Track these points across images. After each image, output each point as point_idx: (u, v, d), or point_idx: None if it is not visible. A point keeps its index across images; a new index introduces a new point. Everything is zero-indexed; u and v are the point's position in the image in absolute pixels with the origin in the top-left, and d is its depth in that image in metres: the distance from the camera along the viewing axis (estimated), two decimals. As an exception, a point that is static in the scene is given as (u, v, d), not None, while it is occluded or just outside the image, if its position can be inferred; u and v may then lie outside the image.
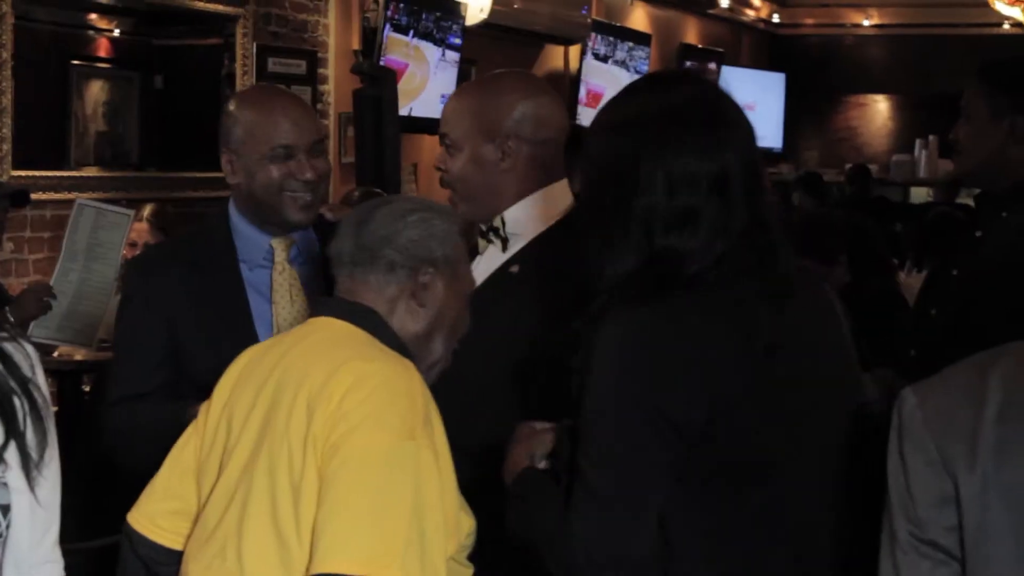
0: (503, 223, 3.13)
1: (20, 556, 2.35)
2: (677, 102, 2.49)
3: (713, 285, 2.40)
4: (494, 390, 2.98)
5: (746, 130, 2.50)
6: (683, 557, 2.39)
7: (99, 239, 5.55)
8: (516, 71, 3.56)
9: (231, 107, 3.37)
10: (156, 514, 2.74)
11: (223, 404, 2.69)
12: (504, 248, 3.14)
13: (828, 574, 2.48)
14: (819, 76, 16.05)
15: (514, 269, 3.09)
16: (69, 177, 7.11)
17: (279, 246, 3.35)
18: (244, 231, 3.36)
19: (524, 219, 3.12)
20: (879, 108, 16.67)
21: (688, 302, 2.38)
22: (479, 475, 2.70)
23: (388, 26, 8.60)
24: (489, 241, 3.17)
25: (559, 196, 3.15)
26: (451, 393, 2.83)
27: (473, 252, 3.23)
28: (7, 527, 2.29)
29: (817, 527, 2.46)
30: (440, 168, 3.19)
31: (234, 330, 3.25)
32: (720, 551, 2.40)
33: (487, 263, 3.17)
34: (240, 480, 2.57)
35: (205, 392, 2.94)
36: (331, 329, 2.68)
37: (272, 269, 3.35)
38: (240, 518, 2.53)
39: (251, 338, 3.16)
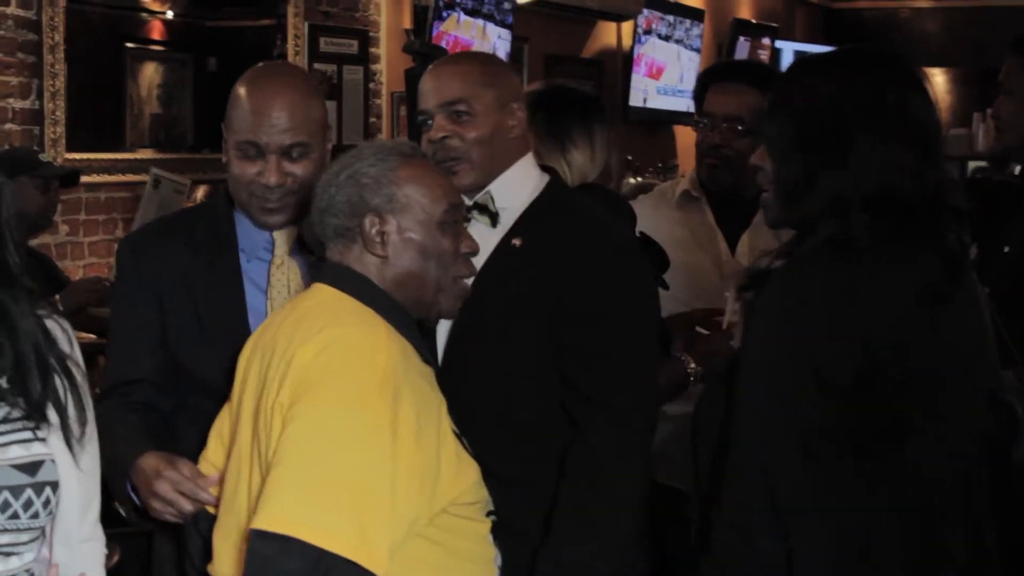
0: (491, 199, 3.15)
1: (69, 531, 2.39)
2: (900, 87, 2.55)
3: (884, 253, 2.45)
4: (518, 366, 2.99)
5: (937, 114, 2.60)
6: (800, 525, 2.41)
7: (168, 207, 5.77)
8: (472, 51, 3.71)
9: (237, 83, 3.16)
10: (208, 487, 2.78)
11: (241, 374, 2.74)
12: (494, 223, 3.15)
13: (953, 548, 2.47)
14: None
15: (516, 242, 3.11)
16: (124, 159, 7.12)
17: (280, 237, 3.15)
18: (244, 219, 3.17)
19: (509, 189, 3.15)
20: (936, 82, 16.50)
21: (853, 267, 2.43)
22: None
23: (440, 3, 8.58)
24: (469, 220, 3.16)
25: (531, 164, 3.22)
26: (474, 374, 2.87)
27: None
28: (56, 504, 2.31)
29: (942, 499, 2.47)
30: (445, 138, 3.16)
31: (225, 322, 3.10)
32: (839, 521, 2.42)
33: (478, 242, 3.16)
34: (244, 455, 2.64)
35: (192, 382, 3.04)
36: (320, 295, 2.72)
37: (271, 263, 3.14)
38: (248, 491, 2.57)
39: (243, 331, 3.00)
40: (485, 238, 3.06)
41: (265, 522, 2.40)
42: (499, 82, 3.20)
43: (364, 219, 2.69)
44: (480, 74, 3.19)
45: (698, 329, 3.78)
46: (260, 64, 3.23)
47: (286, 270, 3.14)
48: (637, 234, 3.67)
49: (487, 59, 3.45)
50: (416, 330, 2.73)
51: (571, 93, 3.93)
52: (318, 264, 2.86)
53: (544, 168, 3.25)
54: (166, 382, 3.12)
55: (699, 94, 4.30)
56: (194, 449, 2.91)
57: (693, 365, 3.58)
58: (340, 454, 2.43)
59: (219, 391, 2.93)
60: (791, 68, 2.71)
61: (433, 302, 2.75)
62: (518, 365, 2.98)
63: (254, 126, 3.03)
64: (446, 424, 2.62)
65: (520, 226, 3.11)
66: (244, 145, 3.05)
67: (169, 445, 2.94)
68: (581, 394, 2.95)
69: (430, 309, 2.76)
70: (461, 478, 2.61)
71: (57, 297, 5.18)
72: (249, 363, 2.72)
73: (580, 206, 3.18)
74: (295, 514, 2.39)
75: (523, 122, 3.22)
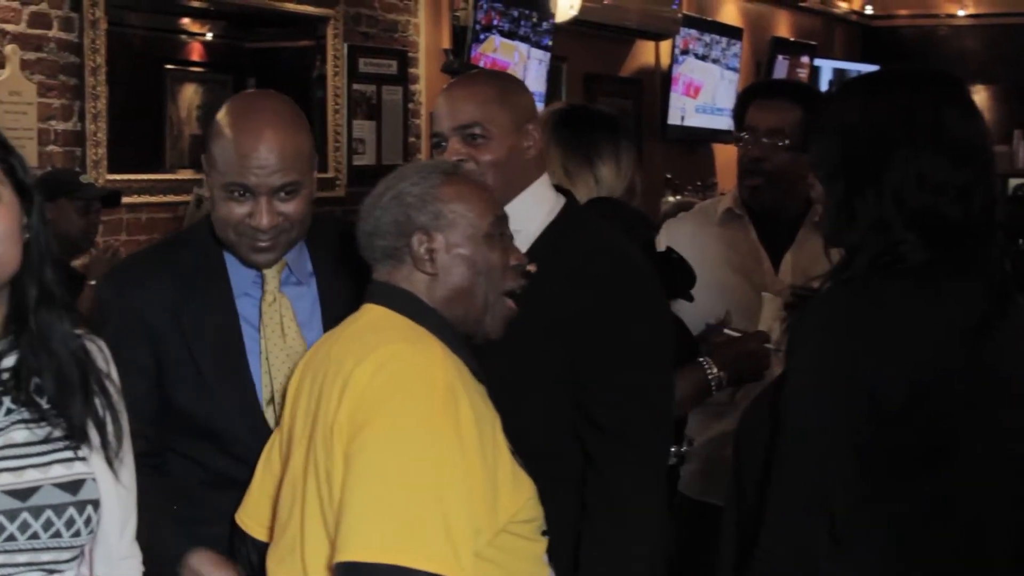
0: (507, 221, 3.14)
1: (109, 548, 2.41)
2: (935, 104, 2.54)
3: (936, 276, 2.44)
4: (530, 391, 2.97)
5: (989, 141, 2.62)
6: (851, 548, 2.40)
7: None
8: (486, 70, 3.64)
9: (218, 113, 2.97)
10: (257, 513, 2.80)
11: (292, 397, 2.73)
12: None
13: (1002, 572, 2.47)
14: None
15: (531, 268, 3.09)
16: (164, 180, 7.15)
17: (270, 272, 2.99)
18: (230, 252, 3.00)
19: (525, 212, 3.10)
20: (975, 99, 16.45)
21: (904, 289, 2.42)
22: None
23: (478, 25, 8.61)
24: None
25: (546, 185, 3.18)
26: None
27: None
28: (97, 522, 2.33)
29: (993, 524, 2.45)
30: (461, 161, 3.10)
31: (226, 365, 2.95)
32: (889, 540, 2.41)
33: None
34: (298, 476, 2.62)
35: (189, 427, 2.92)
36: (370, 315, 2.71)
37: (262, 300, 2.99)
38: (302, 514, 2.56)
39: (245, 374, 2.93)
40: None
41: (354, 552, 2.37)
42: (515, 103, 3.17)
43: (412, 238, 2.68)
44: (496, 95, 3.15)
45: (727, 331, 3.75)
46: (241, 95, 3.09)
47: (278, 307, 3.00)
48: (664, 248, 3.65)
49: (502, 79, 3.40)
50: (466, 347, 2.72)
51: (594, 111, 3.91)
52: (369, 285, 2.83)
53: (559, 190, 3.22)
54: (160, 427, 2.94)
55: (739, 111, 4.29)
56: (197, 494, 2.89)
57: (715, 370, 3.50)
58: (416, 475, 2.41)
59: (219, 435, 2.89)
60: (838, 88, 2.71)
61: (482, 318, 2.74)
62: (530, 390, 2.95)
63: (242, 168, 2.87)
64: (501, 439, 2.61)
65: (536, 251, 3.07)
66: (232, 187, 2.88)
67: (188, 512, 2.89)
68: (596, 424, 2.92)
69: (478, 327, 2.75)
70: (518, 494, 2.60)
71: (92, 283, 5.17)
72: (299, 388, 2.71)
73: (596, 230, 3.15)
74: (384, 540, 2.37)
75: (539, 142, 3.18)
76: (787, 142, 4.10)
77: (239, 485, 2.85)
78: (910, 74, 2.65)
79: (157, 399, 2.93)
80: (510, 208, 3.04)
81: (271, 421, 2.92)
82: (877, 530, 2.41)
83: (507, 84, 3.27)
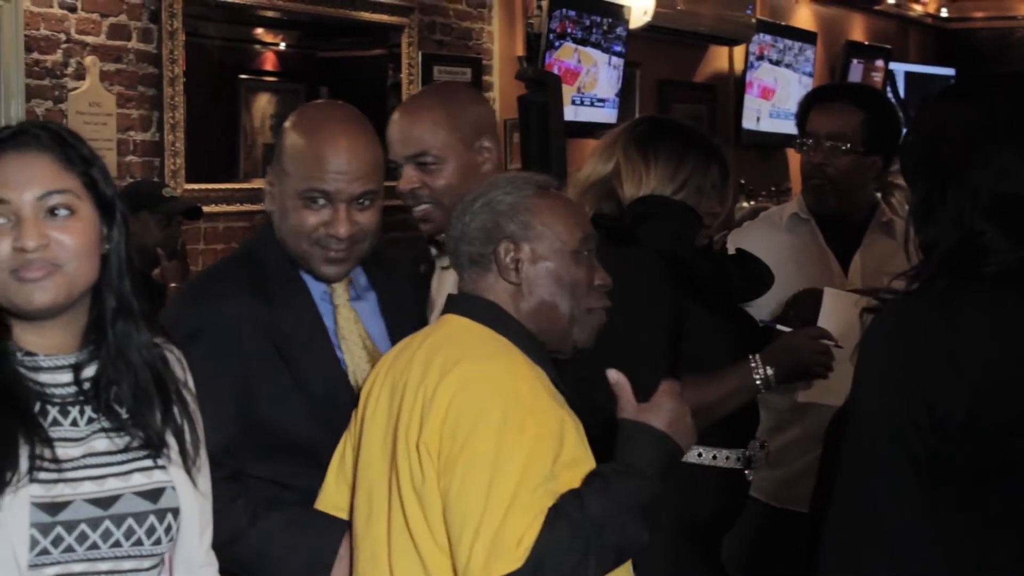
0: None
1: (190, 556, 2.44)
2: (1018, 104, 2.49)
3: (1007, 287, 2.40)
4: None
5: None
6: (907, 565, 2.37)
7: None
8: (440, 83, 3.63)
9: (286, 122, 2.97)
10: (333, 510, 2.82)
11: (363, 402, 2.74)
12: None
13: None
14: (990, 70, 15.72)
15: None
16: (240, 189, 7.19)
17: (339, 286, 2.96)
18: (299, 265, 2.95)
19: None
20: (1053, 101, 16.26)
21: (978, 302, 2.39)
22: None
23: (551, 33, 8.61)
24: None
25: None
26: None
27: (423, 279, 3.29)
28: (177, 530, 2.35)
29: None
30: (415, 189, 3.16)
31: (324, 379, 2.88)
32: (947, 558, 2.37)
33: (446, 287, 3.17)
34: (375, 484, 2.62)
35: (292, 452, 2.84)
36: (452, 326, 2.71)
37: (336, 314, 2.94)
38: (387, 527, 2.57)
39: (346, 392, 2.87)
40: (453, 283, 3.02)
41: (501, 568, 2.39)
42: (464, 121, 3.18)
43: (499, 246, 2.69)
44: (444, 118, 3.17)
45: (779, 327, 3.69)
46: (311, 105, 3.16)
47: (353, 320, 2.96)
48: (733, 250, 3.62)
49: (449, 97, 3.34)
50: (548, 359, 2.71)
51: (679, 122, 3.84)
52: (450, 296, 2.82)
53: None
54: (251, 452, 2.85)
55: (801, 116, 4.27)
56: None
57: (763, 369, 3.37)
58: (523, 490, 2.42)
59: (314, 449, 2.84)
60: (931, 97, 2.69)
61: (567, 332, 2.73)
62: None
63: (322, 173, 2.85)
64: (586, 446, 2.62)
65: None
66: (309, 193, 2.86)
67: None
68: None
69: (564, 340, 2.74)
70: None
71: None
72: (376, 397, 2.71)
73: None
74: (508, 553, 2.39)
75: (494, 155, 3.20)
76: (849, 146, 4.08)
77: None
78: (999, 78, 2.63)
79: (247, 424, 2.83)
80: None
81: None
82: (936, 548, 2.38)
83: (454, 102, 3.27)
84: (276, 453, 2.87)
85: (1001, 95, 2.52)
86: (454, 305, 2.75)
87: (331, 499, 2.81)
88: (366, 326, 3.00)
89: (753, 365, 3.36)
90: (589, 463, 2.57)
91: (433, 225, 3.21)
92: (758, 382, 3.35)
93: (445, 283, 3.25)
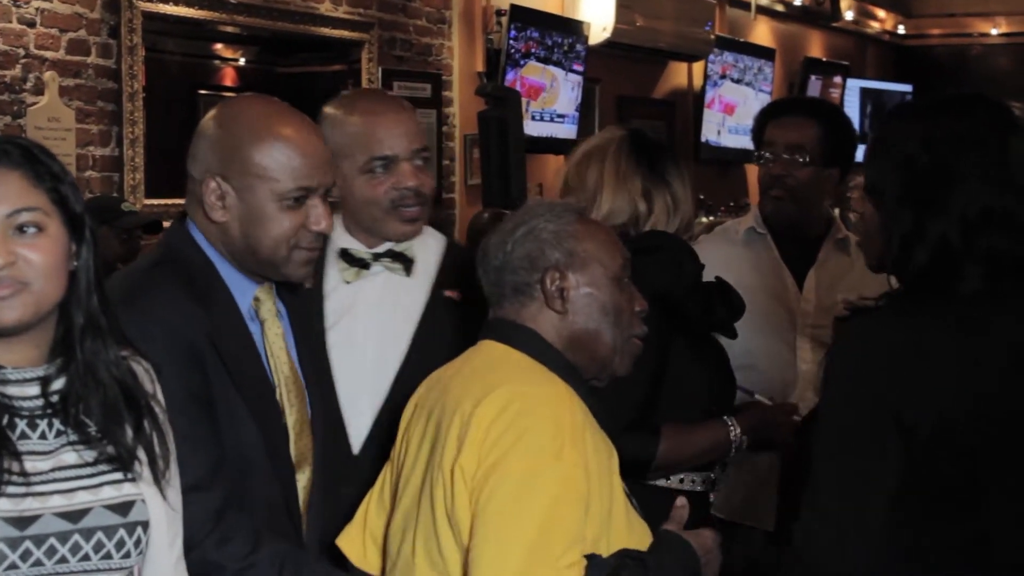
0: (411, 244, 3.17)
1: (160, 568, 2.42)
2: (999, 134, 2.52)
3: (982, 307, 2.41)
4: None
5: None
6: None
7: None
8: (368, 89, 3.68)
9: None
10: (361, 543, 2.82)
11: (403, 431, 2.73)
12: (408, 272, 3.16)
13: None
14: (947, 87, 15.78)
15: (452, 295, 3.12)
16: (200, 205, 7.16)
17: (266, 296, 2.77)
18: (227, 275, 2.72)
19: (424, 238, 3.19)
20: (1009, 118, 16.37)
21: (942, 320, 2.40)
22: None
23: (511, 47, 8.63)
24: (363, 267, 3.16)
25: None
26: None
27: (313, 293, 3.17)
28: (147, 543, 2.34)
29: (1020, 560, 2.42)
30: (419, 187, 3.15)
31: (261, 393, 2.71)
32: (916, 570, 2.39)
33: (386, 290, 3.15)
34: (411, 510, 2.61)
35: (242, 467, 2.67)
36: (490, 353, 2.68)
37: (264, 327, 2.75)
38: (412, 550, 2.56)
39: (275, 403, 2.73)
40: (399, 289, 3.04)
41: None
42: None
43: (545, 275, 2.66)
44: (416, 119, 3.24)
45: (758, 397, 3.72)
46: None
47: (282, 336, 2.79)
48: (714, 279, 3.63)
49: (406, 104, 3.36)
50: (586, 388, 2.68)
51: (651, 135, 3.86)
52: (487, 322, 2.77)
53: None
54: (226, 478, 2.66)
55: (758, 130, 4.28)
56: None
57: (738, 431, 3.40)
58: (556, 519, 2.41)
59: (264, 475, 2.71)
60: (892, 113, 2.69)
61: (609, 359, 2.72)
62: None
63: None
64: (617, 480, 2.60)
65: (446, 278, 3.12)
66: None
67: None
68: None
69: (603, 368, 2.72)
70: (631, 536, 2.59)
71: None
72: (412, 424, 2.70)
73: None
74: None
75: None
76: (808, 158, 4.10)
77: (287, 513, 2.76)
78: (967, 99, 2.62)
79: (217, 441, 2.64)
80: (422, 236, 3.16)
81: (295, 453, 2.78)
82: (911, 567, 2.39)
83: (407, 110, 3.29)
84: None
85: (980, 124, 2.52)
86: (492, 330, 2.72)
87: (370, 524, 2.80)
88: (288, 343, 2.82)
89: (731, 428, 3.40)
90: (615, 497, 2.57)
91: (416, 228, 3.18)
92: (732, 447, 3.41)
93: (363, 292, 3.19)
